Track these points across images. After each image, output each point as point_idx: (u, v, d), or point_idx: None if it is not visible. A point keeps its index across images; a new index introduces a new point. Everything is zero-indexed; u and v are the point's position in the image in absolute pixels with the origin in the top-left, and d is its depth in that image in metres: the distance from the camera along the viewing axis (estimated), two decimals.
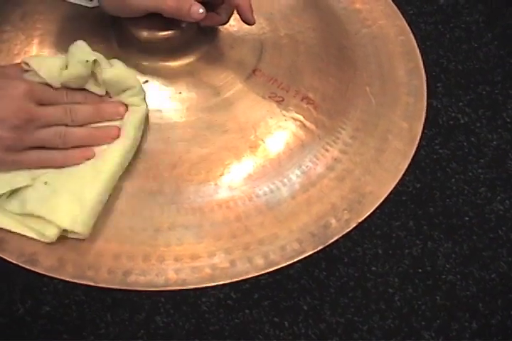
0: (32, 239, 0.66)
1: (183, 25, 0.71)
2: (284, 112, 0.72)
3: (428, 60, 0.86)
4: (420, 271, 0.77)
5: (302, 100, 0.74)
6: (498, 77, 0.89)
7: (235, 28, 0.77)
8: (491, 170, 0.82)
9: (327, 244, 0.68)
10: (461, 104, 0.86)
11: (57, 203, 0.63)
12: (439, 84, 0.87)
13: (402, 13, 0.89)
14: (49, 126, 0.65)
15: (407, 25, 0.87)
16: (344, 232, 0.69)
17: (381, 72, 0.82)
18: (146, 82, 0.73)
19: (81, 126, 0.67)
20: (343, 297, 0.75)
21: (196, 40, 0.74)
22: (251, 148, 0.70)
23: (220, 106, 0.72)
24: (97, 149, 0.66)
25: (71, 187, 0.64)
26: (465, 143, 0.83)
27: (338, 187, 0.71)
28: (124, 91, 0.68)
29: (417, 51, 0.84)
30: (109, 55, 0.72)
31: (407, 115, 0.79)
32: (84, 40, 0.70)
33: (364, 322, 0.74)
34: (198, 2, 0.67)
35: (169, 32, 0.70)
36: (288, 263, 0.66)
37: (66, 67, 0.66)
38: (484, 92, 0.87)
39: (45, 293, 0.73)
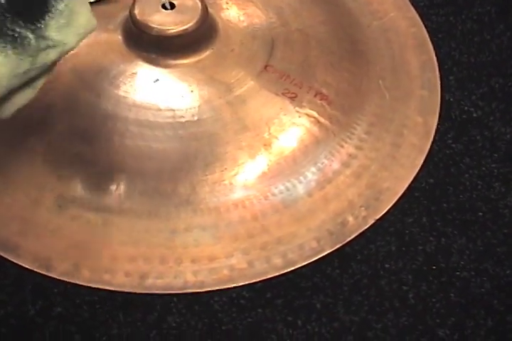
0: (46, 243, 0.70)
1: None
2: (297, 109, 0.76)
3: (440, 53, 0.90)
4: (434, 267, 0.81)
5: (316, 96, 0.77)
6: (511, 69, 0.94)
7: (245, 24, 0.80)
8: (504, 164, 0.85)
9: (345, 241, 0.72)
10: (474, 97, 0.89)
11: None
12: (451, 77, 0.90)
13: (413, 5, 0.92)
14: None
15: (418, 17, 0.90)
16: (362, 230, 0.73)
17: (394, 65, 0.85)
18: (157, 80, 0.77)
19: None
20: (356, 295, 0.78)
21: (206, 36, 0.76)
22: (265, 145, 0.74)
23: (232, 103, 0.75)
24: None
25: None
26: (478, 138, 0.87)
27: (354, 184, 0.75)
28: None
29: (430, 43, 0.88)
30: (117, 52, 0.76)
31: (421, 109, 0.82)
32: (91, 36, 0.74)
33: (378, 321, 0.78)
34: None
35: (179, 29, 0.73)
36: (307, 262, 0.70)
37: None
38: (497, 85, 0.91)
39: (56, 294, 0.76)
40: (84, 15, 0.58)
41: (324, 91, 0.78)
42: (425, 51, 0.87)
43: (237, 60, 0.77)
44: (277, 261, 0.70)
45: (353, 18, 0.88)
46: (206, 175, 0.72)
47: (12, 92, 0.55)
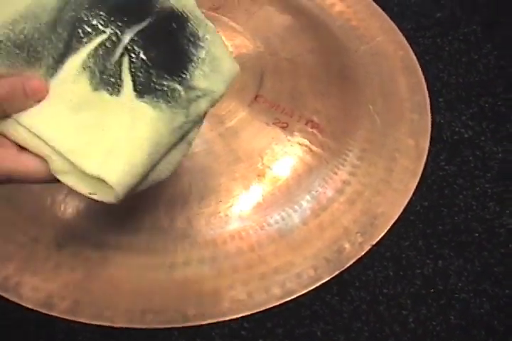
0: (46, 281, 0.71)
1: None
2: (289, 138, 0.77)
3: (428, 75, 0.91)
4: (433, 290, 0.82)
5: (306, 124, 0.78)
6: (500, 88, 0.95)
7: (233, 55, 0.82)
8: (498, 183, 0.87)
9: (343, 269, 0.72)
10: (464, 117, 0.91)
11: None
12: (440, 99, 0.92)
13: (400, 28, 0.94)
14: None
15: (405, 40, 0.92)
16: (359, 256, 0.73)
17: (383, 90, 0.87)
18: None
19: None
20: (356, 321, 0.80)
21: None
22: (259, 176, 0.75)
23: (224, 135, 0.76)
24: None
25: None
26: (471, 158, 0.88)
27: (349, 210, 0.76)
28: None
29: (418, 66, 0.89)
30: None
31: (412, 132, 0.83)
32: None
33: None
34: None
35: None
36: (305, 291, 0.71)
37: None
38: (487, 105, 0.92)
39: (58, 332, 0.77)
40: (226, 61, 0.60)
41: (315, 119, 0.79)
42: (414, 74, 0.89)
43: (227, 91, 0.78)
44: (276, 291, 0.70)
45: (340, 44, 0.90)
46: (201, 209, 0.73)
47: (170, 150, 0.56)
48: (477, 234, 0.84)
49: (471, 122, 0.91)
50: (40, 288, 0.71)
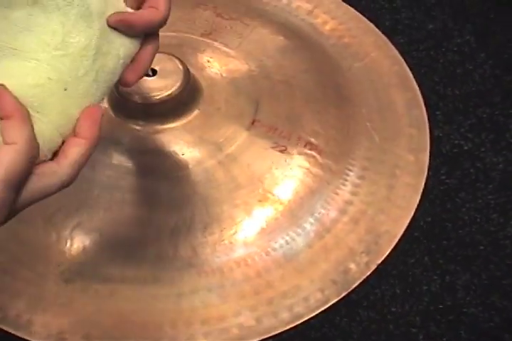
0: (57, 317, 0.72)
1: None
2: (288, 161, 0.78)
3: (424, 88, 0.92)
4: (441, 306, 0.83)
5: (305, 146, 0.79)
6: (497, 98, 0.96)
7: (228, 80, 0.82)
8: (500, 194, 0.88)
9: (350, 289, 0.74)
10: (462, 130, 0.92)
11: None
12: (438, 112, 0.93)
13: (393, 43, 0.94)
14: None
15: (399, 54, 0.93)
16: (365, 276, 0.74)
17: (380, 106, 0.87)
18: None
19: None
20: None
21: (191, 98, 0.79)
22: (260, 201, 0.76)
23: (223, 163, 0.77)
24: None
25: None
26: (471, 170, 0.89)
27: (353, 230, 0.77)
28: None
29: (413, 80, 0.90)
30: (104, 121, 0.79)
31: (411, 147, 0.84)
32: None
33: None
34: None
35: (164, 94, 0.75)
36: (313, 314, 0.72)
37: None
38: (485, 115, 0.93)
39: None
40: None
41: (313, 140, 0.80)
42: (409, 88, 0.90)
43: (224, 118, 0.80)
44: (284, 315, 0.72)
45: (334, 63, 0.91)
46: (205, 237, 0.74)
47: None
48: (482, 247, 0.85)
49: (470, 134, 0.92)
50: (51, 324, 0.72)
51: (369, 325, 0.80)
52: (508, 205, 0.87)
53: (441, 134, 0.92)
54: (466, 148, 0.91)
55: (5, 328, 0.73)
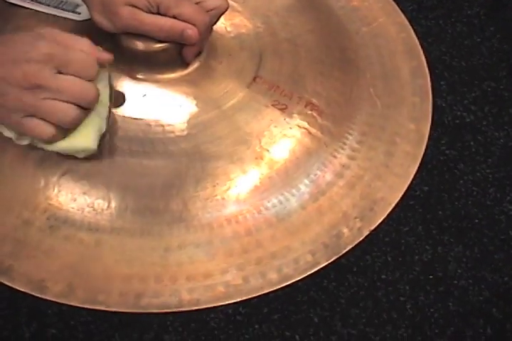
0: (39, 265, 0.70)
1: None
2: (288, 120, 0.76)
3: (430, 57, 0.91)
4: (431, 277, 0.82)
5: (306, 106, 0.77)
6: (503, 72, 0.94)
7: (232, 35, 0.81)
8: (499, 169, 0.86)
9: (340, 254, 0.71)
10: (466, 101, 0.90)
11: None
12: (442, 82, 0.91)
13: (402, 10, 0.94)
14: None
15: (407, 22, 0.90)
16: (357, 241, 0.72)
17: (384, 72, 0.86)
18: (144, 95, 0.77)
19: None
20: (353, 307, 0.79)
21: None
22: (256, 159, 0.74)
23: (222, 117, 0.75)
24: None
25: None
26: (472, 143, 0.88)
27: (348, 195, 0.75)
28: None
29: (420, 49, 0.88)
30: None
31: (413, 116, 0.82)
32: None
33: (376, 333, 0.79)
34: None
35: (165, 43, 0.73)
36: (302, 276, 0.70)
37: None
38: (489, 89, 0.92)
39: (51, 315, 0.77)
40: None
41: (314, 101, 0.78)
42: (415, 57, 0.88)
43: (225, 72, 0.78)
44: (273, 276, 0.70)
45: (341, 25, 0.89)
46: (198, 191, 0.72)
47: None
48: (477, 221, 0.84)
49: (473, 106, 0.91)
50: (33, 271, 0.69)
51: (357, 290, 0.80)
52: (506, 180, 0.87)
53: (444, 104, 0.91)
54: (468, 120, 0.90)
55: None
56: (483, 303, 0.81)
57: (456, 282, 0.81)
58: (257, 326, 0.78)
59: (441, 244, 0.83)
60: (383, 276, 0.81)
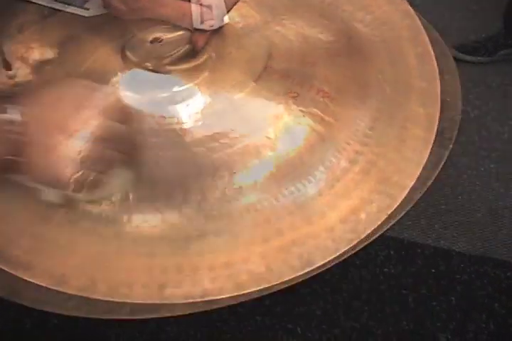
0: (59, 259, 0.75)
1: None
2: (301, 108, 0.81)
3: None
4: (434, 271, 0.88)
5: (318, 93, 0.82)
6: (509, 68, 1.02)
7: (241, 25, 0.85)
8: (502, 164, 0.94)
9: (359, 239, 0.77)
10: (471, 96, 0.98)
11: None
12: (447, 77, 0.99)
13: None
14: None
15: (411, 8, 0.97)
16: (375, 226, 0.78)
17: (391, 58, 0.91)
18: (157, 87, 0.82)
19: None
20: (356, 300, 0.86)
21: None
22: (271, 147, 0.79)
23: (235, 106, 0.80)
24: None
25: None
26: (476, 138, 0.96)
27: (363, 181, 0.81)
28: None
29: (425, 34, 0.94)
30: (115, 60, 0.82)
31: (422, 101, 0.88)
32: (88, 47, 0.81)
33: (378, 326, 0.85)
34: None
35: (175, 34, 0.80)
36: (324, 262, 0.75)
37: None
38: (494, 84, 1.00)
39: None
40: None
41: (325, 88, 0.83)
42: (420, 43, 0.94)
43: (235, 62, 0.83)
44: (295, 263, 0.75)
45: (347, 14, 0.95)
46: (215, 181, 0.77)
47: None
48: (480, 215, 0.90)
49: (477, 101, 0.98)
50: (54, 266, 0.75)
51: (360, 284, 0.84)
52: (510, 175, 0.93)
53: (448, 99, 0.98)
54: (472, 115, 0.97)
55: (5, 268, 0.76)
56: (485, 298, 0.87)
57: (458, 276, 0.87)
58: (259, 318, 0.83)
59: (444, 238, 0.89)
60: (386, 270, 0.86)
